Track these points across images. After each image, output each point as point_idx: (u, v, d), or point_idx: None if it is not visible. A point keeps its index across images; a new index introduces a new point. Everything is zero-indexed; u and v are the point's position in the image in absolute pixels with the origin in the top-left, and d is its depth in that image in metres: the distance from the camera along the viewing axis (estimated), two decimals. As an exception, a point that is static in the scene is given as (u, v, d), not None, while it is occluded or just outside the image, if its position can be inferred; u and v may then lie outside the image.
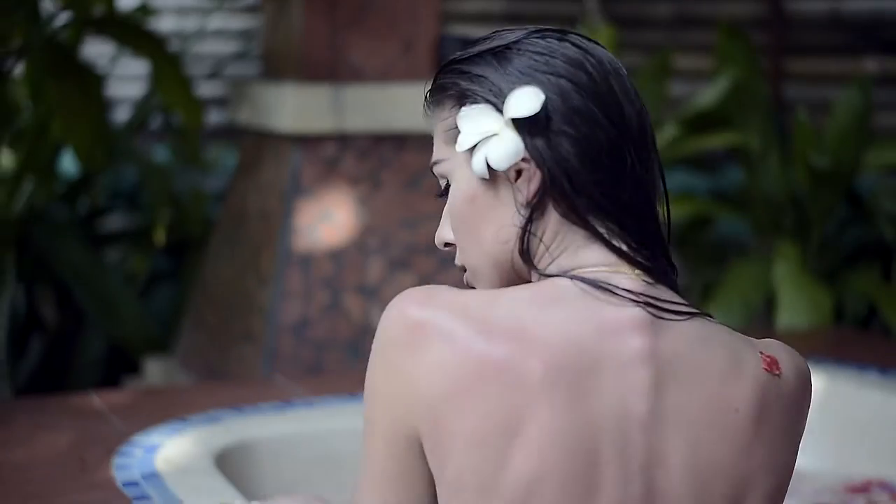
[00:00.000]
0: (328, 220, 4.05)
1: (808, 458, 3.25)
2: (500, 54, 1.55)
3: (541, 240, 1.52)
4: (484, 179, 1.53)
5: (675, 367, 1.48)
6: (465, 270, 1.60)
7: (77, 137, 4.35)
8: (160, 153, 6.01)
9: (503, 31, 1.59)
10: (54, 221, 5.06)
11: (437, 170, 1.62)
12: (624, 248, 1.51)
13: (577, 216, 1.51)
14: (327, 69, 4.11)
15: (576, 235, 1.52)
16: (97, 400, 3.20)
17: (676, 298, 1.52)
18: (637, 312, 1.47)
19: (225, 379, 4.07)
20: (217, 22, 6.32)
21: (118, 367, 5.09)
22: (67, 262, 4.94)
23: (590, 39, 1.58)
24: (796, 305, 4.48)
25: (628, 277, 1.50)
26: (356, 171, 4.10)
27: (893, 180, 5.21)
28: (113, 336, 4.96)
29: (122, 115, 6.09)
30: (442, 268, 4.13)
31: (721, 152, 5.50)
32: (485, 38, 1.59)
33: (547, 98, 1.50)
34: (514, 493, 1.42)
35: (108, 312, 4.89)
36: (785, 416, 1.53)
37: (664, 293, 1.51)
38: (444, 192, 1.62)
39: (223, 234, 4.40)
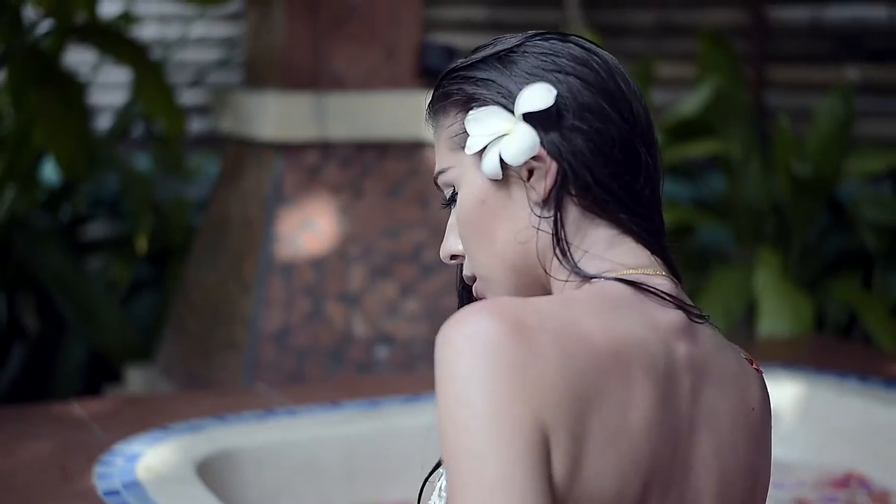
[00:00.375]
0: (310, 228, 4.05)
1: (790, 462, 3.26)
2: (505, 58, 1.54)
3: (569, 231, 1.50)
4: (495, 181, 1.51)
5: (707, 371, 1.48)
6: (475, 280, 1.56)
7: (59, 145, 4.34)
8: (142, 161, 6.00)
9: (502, 37, 1.59)
10: (36, 229, 5.05)
11: (442, 179, 1.59)
12: (652, 245, 1.51)
13: (601, 209, 1.49)
14: (309, 77, 4.11)
15: (599, 230, 1.50)
16: (78, 408, 3.20)
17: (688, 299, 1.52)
18: (678, 317, 1.47)
19: (207, 387, 4.06)
20: (199, 30, 6.31)
21: (100, 375, 5.08)
22: (49, 269, 4.93)
23: (590, 41, 1.57)
24: (777, 313, 4.48)
25: (664, 278, 1.50)
26: (338, 180, 4.10)
27: (874, 188, 5.22)
28: (94, 344, 4.95)
29: (104, 122, 6.08)
30: (423, 276, 4.13)
31: (703, 160, 5.51)
32: (485, 45, 1.59)
33: (558, 94, 1.49)
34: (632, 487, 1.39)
35: (90, 320, 4.88)
36: (770, 410, 1.56)
37: (684, 294, 1.52)
38: (451, 201, 1.59)
39: (205, 242, 4.39)
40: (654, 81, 5.35)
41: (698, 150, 5.04)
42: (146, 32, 5.94)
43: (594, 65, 1.53)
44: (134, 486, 2.58)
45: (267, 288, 3.97)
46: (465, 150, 1.53)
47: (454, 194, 1.58)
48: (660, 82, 5.58)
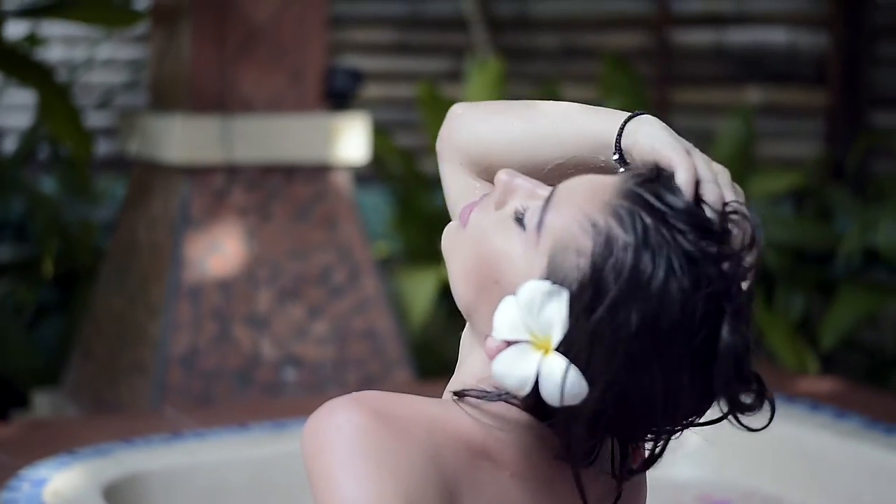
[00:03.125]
0: (217, 251, 4.05)
1: (693, 479, 3.31)
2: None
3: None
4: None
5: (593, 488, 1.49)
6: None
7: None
8: (48, 184, 5.96)
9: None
10: (-60, 253, 5.01)
11: (521, 208, 1.42)
12: None
13: None
14: (216, 100, 4.11)
15: None
16: (-16, 434, 3.18)
17: None
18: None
19: (114, 411, 4.04)
20: (106, 52, 6.29)
21: (6, 400, 5.03)
22: (-47, 294, 4.89)
23: None
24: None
25: None
26: (245, 203, 4.10)
27: (776, 208, 5.30)
28: (0, 369, 4.91)
29: (9, 145, 6.04)
30: (331, 298, 4.14)
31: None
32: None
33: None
34: None
35: (-4, 345, 4.84)
36: None
37: None
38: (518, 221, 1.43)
39: (112, 266, 4.38)
40: (559, 103, 5.40)
41: (603, 171, 5.09)
42: (52, 54, 5.90)
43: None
44: (41, 511, 2.57)
45: (175, 311, 3.96)
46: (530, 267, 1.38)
47: (521, 213, 1.41)
48: (565, 104, 5.63)
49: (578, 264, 1.33)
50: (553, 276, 1.35)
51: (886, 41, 5.85)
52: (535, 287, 1.34)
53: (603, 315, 1.31)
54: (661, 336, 1.31)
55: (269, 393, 4.01)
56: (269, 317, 4.06)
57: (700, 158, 1.41)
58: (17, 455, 2.95)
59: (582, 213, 1.35)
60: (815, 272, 4.99)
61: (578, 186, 1.40)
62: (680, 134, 1.46)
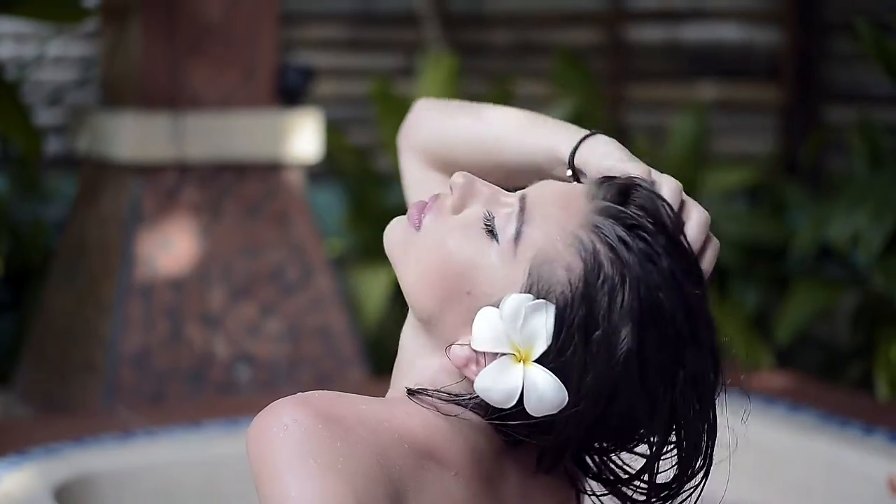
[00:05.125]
0: (169, 249, 4.02)
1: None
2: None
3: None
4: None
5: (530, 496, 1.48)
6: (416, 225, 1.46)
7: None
8: (-2, 182, 5.91)
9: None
10: None
11: (488, 215, 1.42)
12: None
13: None
14: (167, 97, 4.08)
15: None
16: (-68, 435, 3.15)
17: None
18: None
19: (65, 411, 4.01)
20: (56, 49, 6.24)
21: (-44, 400, 4.99)
22: None
23: None
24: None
25: None
26: (197, 200, 4.08)
27: (729, 204, 5.32)
28: (-50, 369, 4.87)
29: (-42, 143, 5.98)
30: (284, 296, 4.12)
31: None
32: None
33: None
34: None
35: (-55, 345, 4.80)
36: None
37: None
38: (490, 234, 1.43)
39: (63, 264, 4.34)
40: (513, 100, 5.40)
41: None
42: (1, 51, 5.86)
43: None
44: (-11, 513, 2.55)
45: (125, 310, 3.94)
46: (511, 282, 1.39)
47: (490, 221, 1.41)
48: (519, 101, 5.64)
49: (569, 280, 1.35)
50: (535, 289, 1.37)
51: (839, 37, 5.88)
52: (520, 300, 1.35)
53: (600, 333, 1.34)
54: (650, 354, 1.35)
55: (223, 392, 3.98)
56: (221, 315, 4.04)
57: (660, 175, 1.43)
58: (-35, 456, 2.92)
59: (562, 227, 1.38)
60: (769, 267, 5.00)
61: (549, 195, 1.42)
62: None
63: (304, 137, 4.15)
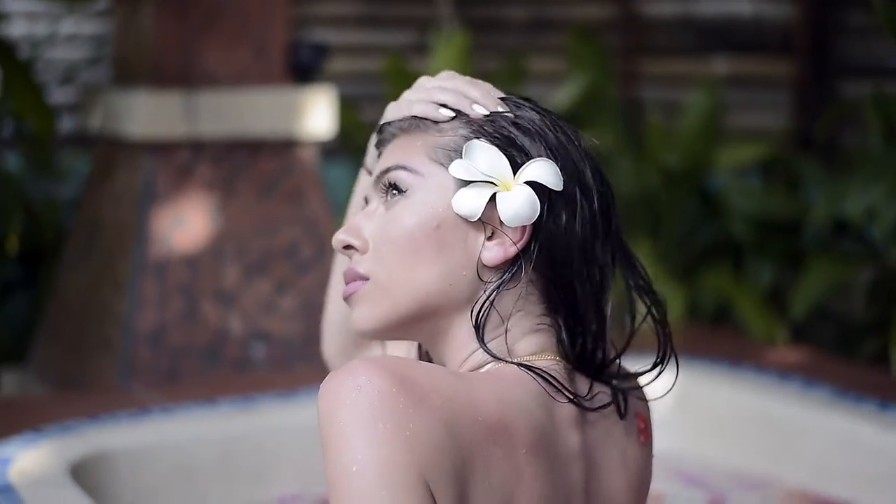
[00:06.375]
0: (183, 226, 4.02)
1: (663, 449, 3.30)
2: (536, 126, 1.51)
3: (496, 310, 1.48)
4: (459, 216, 1.47)
5: (598, 460, 1.50)
6: (361, 280, 1.51)
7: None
8: (12, 161, 5.92)
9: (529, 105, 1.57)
10: None
11: (393, 175, 1.52)
12: (567, 340, 1.52)
13: (552, 302, 1.50)
14: (179, 74, 4.08)
15: (530, 317, 1.50)
16: (-51, 413, 3.16)
17: (593, 388, 1.52)
18: (572, 409, 1.48)
19: (81, 388, 4.02)
20: (69, 27, 6.24)
21: (-28, 378, 5.01)
22: (-83, 272, 4.85)
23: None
24: (651, 302, 4.53)
25: (563, 367, 1.50)
26: (210, 178, 4.08)
27: (743, 179, 5.30)
28: (-34, 347, 4.88)
29: (-29, 122, 5.99)
30: (299, 273, 4.12)
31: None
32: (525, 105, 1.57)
33: (564, 183, 1.48)
34: None
35: (-39, 323, 4.81)
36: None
37: (583, 383, 1.52)
38: (386, 195, 1.53)
39: (77, 243, 4.35)
40: (526, 76, 5.39)
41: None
42: (14, 30, 5.85)
43: (590, 174, 1.53)
44: (7, 490, 2.55)
45: (140, 288, 3.94)
46: (449, 169, 1.48)
47: (393, 193, 1.52)
48: (532, 77, 5.62)
49: (466, 134, 1.52)
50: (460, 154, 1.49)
51: (853, 10, 5.85)
52: (468, 147, 1.48)
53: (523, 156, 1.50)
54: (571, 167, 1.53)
55: (238, 369, 3.99)
56: (235, 292, 4.04)
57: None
58: (-18, 434, 2.93)
59: (417, 149, 1.54)
60: (783, 243, 4.99)
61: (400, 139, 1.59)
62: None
63: (317, 114, 4.15)
